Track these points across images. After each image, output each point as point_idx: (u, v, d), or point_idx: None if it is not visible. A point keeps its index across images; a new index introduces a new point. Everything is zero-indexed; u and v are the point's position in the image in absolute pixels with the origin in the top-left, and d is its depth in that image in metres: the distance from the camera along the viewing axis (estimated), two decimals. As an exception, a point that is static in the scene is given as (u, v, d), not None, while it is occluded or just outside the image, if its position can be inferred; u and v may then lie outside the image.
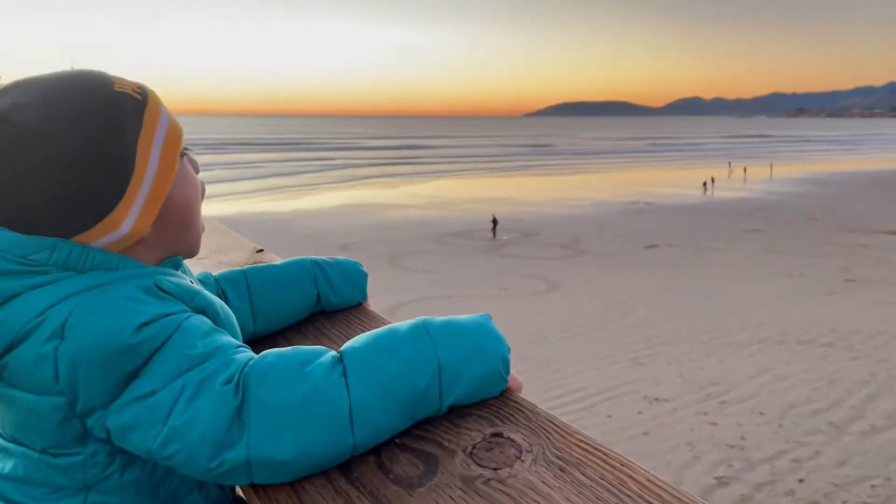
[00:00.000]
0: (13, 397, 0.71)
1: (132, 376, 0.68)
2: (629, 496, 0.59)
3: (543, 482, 0.62)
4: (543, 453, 0.67)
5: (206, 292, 0.78)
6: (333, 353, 0.74)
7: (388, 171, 50.48)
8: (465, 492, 0.63)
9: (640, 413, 9.74)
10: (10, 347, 0.68)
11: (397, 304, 14.77)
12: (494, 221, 25.85)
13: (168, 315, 0.70)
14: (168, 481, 0.77)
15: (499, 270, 19.85)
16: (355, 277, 1.19)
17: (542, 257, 21.83)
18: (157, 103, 0.78)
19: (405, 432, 0.75)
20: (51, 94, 0.72)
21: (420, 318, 0.79)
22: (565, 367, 11.61)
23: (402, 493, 0.65)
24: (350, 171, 50.06)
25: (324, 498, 0.67)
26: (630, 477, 0.62)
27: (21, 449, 0.74)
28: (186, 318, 0.71)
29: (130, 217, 0.75)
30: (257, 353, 0.74)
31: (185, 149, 0.83)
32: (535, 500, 0.60)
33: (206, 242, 1.81)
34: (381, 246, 22.65)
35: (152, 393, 0.67)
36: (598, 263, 20.96)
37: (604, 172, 54.25)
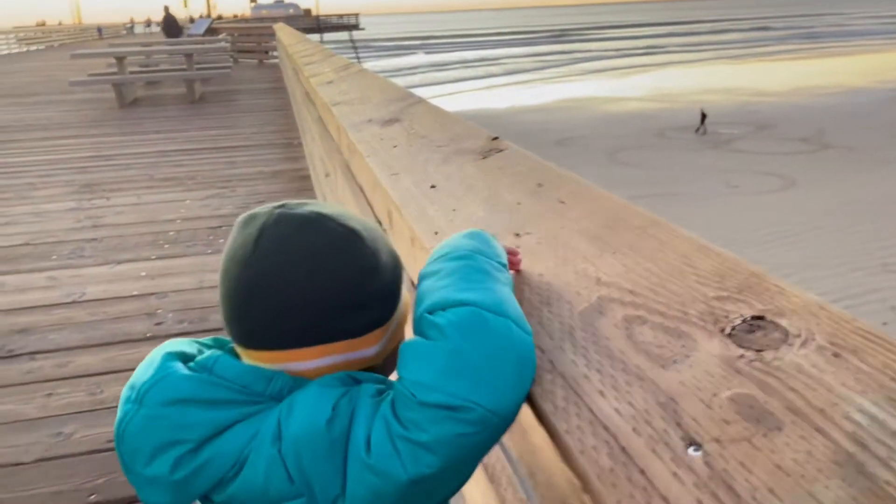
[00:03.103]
0: None
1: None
2: (919, 387, 0.55)
3: (814, 366, 0.59)
4: (813, 338, 0.63)
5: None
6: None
7: (621, 63, 48.01)
8: (725, 371, 0.62)
9: (885, 324, 8.84)
10: (223, 480, 0.70)
11: (616, 201, 14.35)
12: (703, 115, 23.66)
13: (351, 389, 0.72)
14: None
15: (727, 167, 18.51)
16: None
17: (778, 152, 19.92)
18: None
19: (654, 311, 0.74)
20: (356, 215, 0.82)
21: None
22: (800, 270, 10.74)
23: (654, 366, 0.66)
24: (587, 65, 48.28)
25: (577, 365, 0.69)
26: (919, 368, 0.57)
27: None
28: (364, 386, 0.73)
29: (382, 342, 0.80)
30: None
31: None
32: (805, 384, 0.57)
33: (445, 131, 1.88)
34: (599, 141, 22.00)
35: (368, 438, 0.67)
36: (846, 159, 18.72)
37: (866, 55, 47.14)
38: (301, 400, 0.71)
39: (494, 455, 1.20)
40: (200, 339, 0.85)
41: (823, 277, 10.46)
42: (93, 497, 2.33)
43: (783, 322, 0.67)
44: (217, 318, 3.19)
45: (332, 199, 3.70)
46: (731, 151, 20.51)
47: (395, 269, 0.83)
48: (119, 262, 4.50)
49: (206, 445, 0.70)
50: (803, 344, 0.63)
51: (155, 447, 0.72)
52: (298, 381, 0.75)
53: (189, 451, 0.70)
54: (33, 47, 33.59)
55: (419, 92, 2.47)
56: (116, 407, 0.79)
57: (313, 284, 0.74)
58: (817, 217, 13.76)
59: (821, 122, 23.63)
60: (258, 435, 0.69)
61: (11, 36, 34.83)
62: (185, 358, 0.79)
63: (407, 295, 0.87)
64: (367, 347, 0.79)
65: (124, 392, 0.78)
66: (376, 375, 0.78)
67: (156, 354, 0.79)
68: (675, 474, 0.52)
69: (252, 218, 0.77)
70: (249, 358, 0.78)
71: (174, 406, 0.72)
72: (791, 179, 16.89)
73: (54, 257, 4.62)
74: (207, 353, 0.79)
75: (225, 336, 0.84)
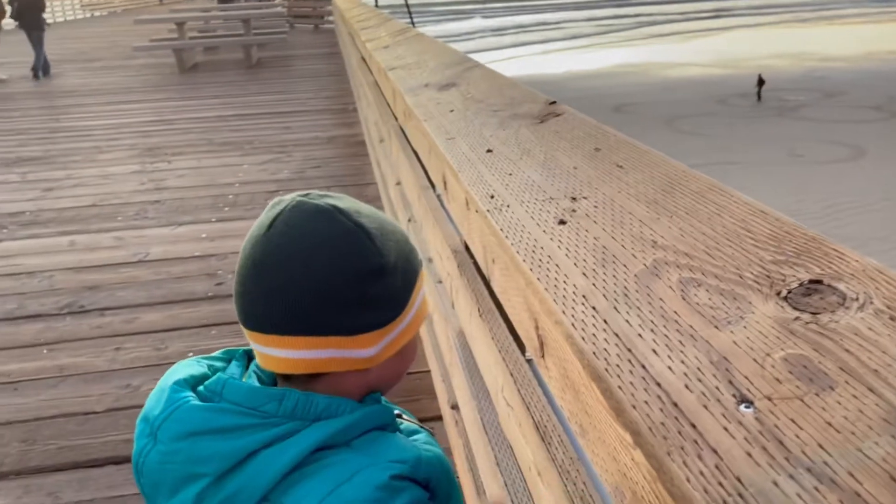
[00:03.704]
0: None
1: None
2: (978, 351, 0.54)
3: (870, 329, 0.59)
4: (871, 301, 0.63)
5: (424, 448, 0.79)
6: None
7: (685, 28, 46.37)
8: (779, 332, 0.62)
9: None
10: None
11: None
12: (760, 81, 22.18)
13: None
14: None
15: (792, 135, 17.88)
16: None
17: (847, 120, 19.12)
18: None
19: (709, 274, 0.75)
20: (380, 215, 0.82)
21: None
22: (865, 244, 10.36)
23: (708, 327, 0.67)
24: (649, 29, 46.74)
25: (630, 325, 0.71)
26: (980, 333, 0.56)
27: None
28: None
29: (381, 344, 0.78)
30: None
31: None
32: (859, 345, 0.58)
33: (501, 95, 1.88)
34: (658, 108, 21.45)
35: None
36: (921, 128, 17.88)
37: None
38: None
39: (546, 415, 1.23)
40: (209, 355, 0.85)
41: (889, 250, 10.09)
42: (160, 445, 2.45)
43: (840, 286, 0.67)
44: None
45: (385, 164, 3.73)
46: (796, 119, 19.79)
47: (406, 274, 0.81)
48: (181, 224, 4.65)
49: (229, 477, 0.70)
50: (860, 307, 0.63)
51: (174, 482, 0.73)
52: (311, 397, 0.75)
53: (210, 485, 0.70)
54: (97, 13, 34.39)
55: (476, 57, 2.46)
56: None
57: (308, 272, 0.74)
58: (887, 188, 13.23)
59: (894, 89, 22.56)
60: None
61: (76, 2, 35.69)
62: (194, 382, 0.79)
63: (423, 304, 0.85)
64: (360, 348, 0.77)
65: (139, 424, 0.78)
66: (434, 458, 0.77)
67: (165, 383, 0.78)
68: (725, 428, 0.53)
69: (278, 202, 0.80)
70: (250, 340, 0.79)
71: (188, 440, 0.72)
72: (860, 149, 16.24)
73: (120, 218, 4.80)
74: (217, 371, 0.80)
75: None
